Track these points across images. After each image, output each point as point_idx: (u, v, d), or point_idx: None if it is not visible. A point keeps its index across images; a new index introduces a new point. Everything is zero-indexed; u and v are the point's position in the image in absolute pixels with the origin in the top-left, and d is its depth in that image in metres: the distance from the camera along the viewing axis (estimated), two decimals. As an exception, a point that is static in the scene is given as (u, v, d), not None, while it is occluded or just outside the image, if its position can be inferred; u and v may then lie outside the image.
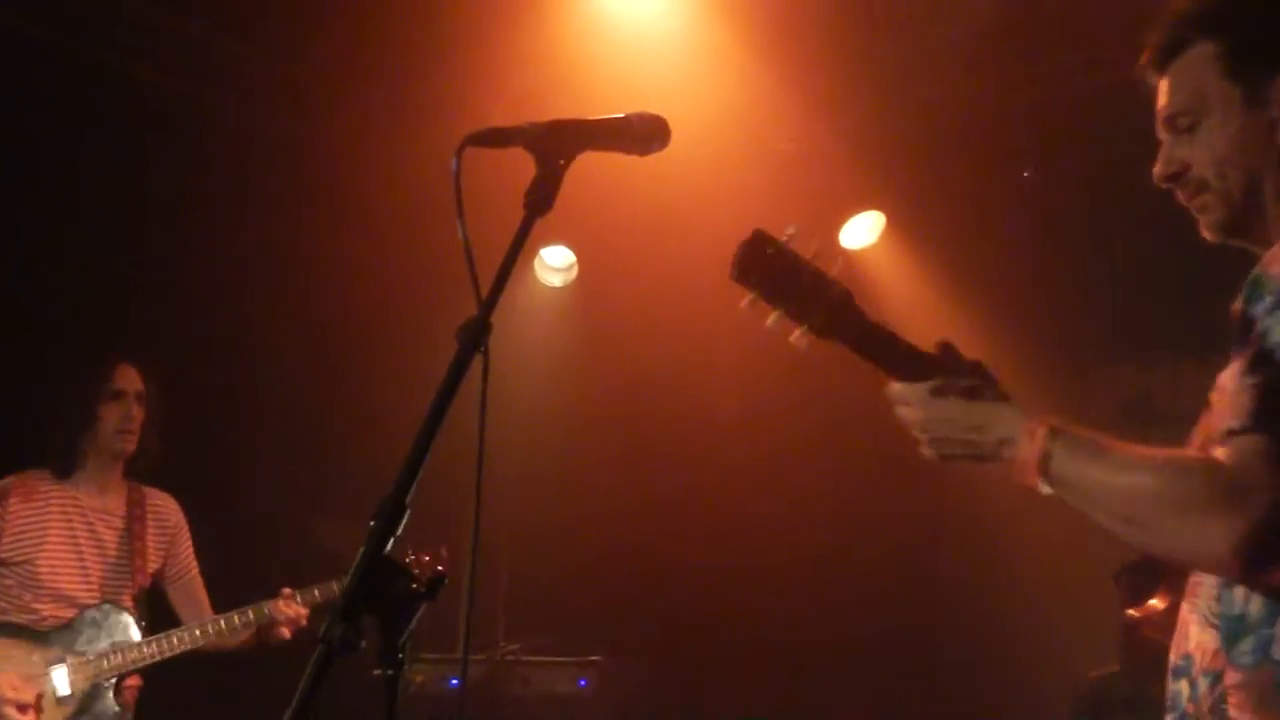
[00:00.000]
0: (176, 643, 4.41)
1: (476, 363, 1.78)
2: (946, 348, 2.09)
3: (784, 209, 6.09)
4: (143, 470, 4.64)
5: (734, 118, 5.51)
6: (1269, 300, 1.84)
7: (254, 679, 4.36)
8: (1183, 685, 1.97)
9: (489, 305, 1.79)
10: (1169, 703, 2.01)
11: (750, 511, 6.27)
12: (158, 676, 4.51)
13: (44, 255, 5.35)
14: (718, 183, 5.81)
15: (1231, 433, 1.79)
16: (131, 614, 4.46)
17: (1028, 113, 5.69)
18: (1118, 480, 1.87)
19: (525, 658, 5.42)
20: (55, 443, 4.52)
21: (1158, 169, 2.10)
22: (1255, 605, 1.85)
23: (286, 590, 4.45)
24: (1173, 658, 2.02)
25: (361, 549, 1.65)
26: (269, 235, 5.82)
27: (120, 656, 4.37)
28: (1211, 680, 1.90)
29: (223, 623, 4.44)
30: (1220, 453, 1.79)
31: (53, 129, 5.25)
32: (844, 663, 5.99)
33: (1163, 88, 2.11)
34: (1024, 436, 1.94)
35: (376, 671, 1.64)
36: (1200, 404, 2.03)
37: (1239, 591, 1.87)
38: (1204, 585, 1.95)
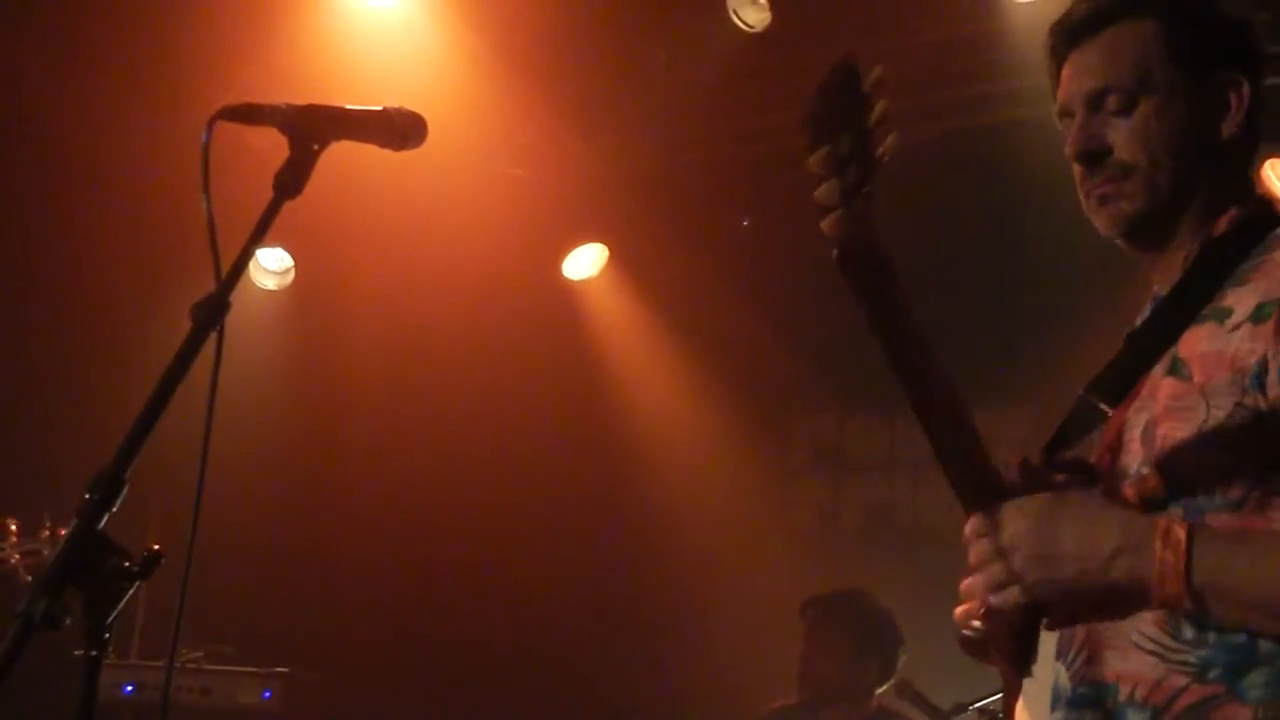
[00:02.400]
0: None
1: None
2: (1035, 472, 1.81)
3: (510, 232, 6.20)
4: None
5: (469, 136, 5.52)
6: None
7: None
8: (1087, 717, 1.80)
9: (229, 284, 1.75)
10: None
11: (457, 515, 6.26)
12: None
13: None
14: (444, 198, 5.82)
15: None
16: None
17: (753, 163, 5.92)
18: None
19: (206, 666, 5.21)
20: None
21: (1074, 143, 1.92)
22: (1267, 639, 1.71)
23: None
24: (1063, 682, 1.83)
25: (74, 521, 1.58)
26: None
27: None
28: (1152, 713, 1.74)
29: None
30: None
31: None
32: (535, 676, 6.02)
33: (1090, 57, 1.94)
34: (1156, 542, 1.68)
35: (78, 652, 1.57)
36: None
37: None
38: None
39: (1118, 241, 1.97)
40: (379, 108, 1.96)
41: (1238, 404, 1.74)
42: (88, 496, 1.57)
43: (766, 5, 5.22)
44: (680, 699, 5.71)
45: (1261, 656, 1.70)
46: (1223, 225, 1.91)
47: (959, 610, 1.94)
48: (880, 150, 1.69)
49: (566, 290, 6.43)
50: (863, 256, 1.72)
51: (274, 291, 6.32)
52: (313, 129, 1.87)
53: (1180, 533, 1.68)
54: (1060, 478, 1.81)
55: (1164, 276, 1.95)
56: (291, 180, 1.84)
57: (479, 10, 5.41)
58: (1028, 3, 4.86)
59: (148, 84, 5.36)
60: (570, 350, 6.43)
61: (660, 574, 6.16)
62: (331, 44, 5.37)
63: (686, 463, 6.21)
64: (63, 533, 4.12)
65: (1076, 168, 1.94)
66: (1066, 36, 1.98)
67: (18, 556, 4.25)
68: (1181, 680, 1.73)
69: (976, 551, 1.77)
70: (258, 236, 1.81)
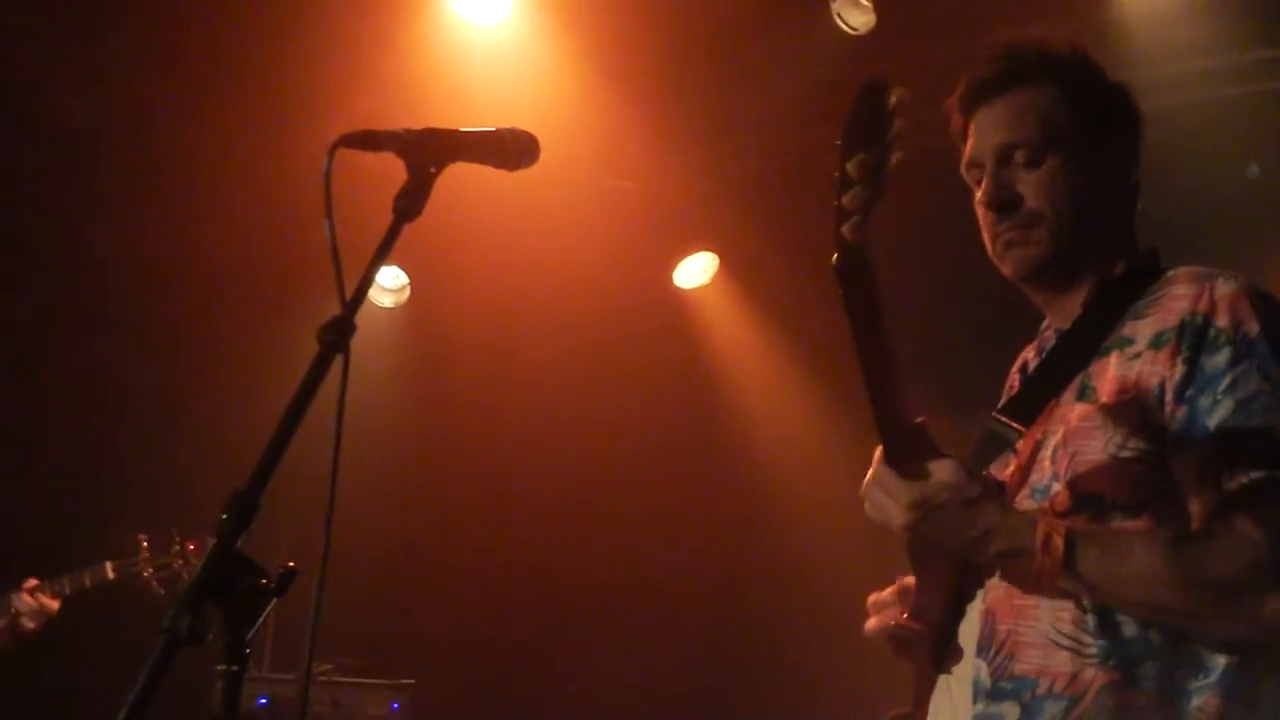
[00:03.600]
0: None
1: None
2: (925, 432, 1.99)
3: (621, 243, 6.24)
4: None
5: (578, 149, 5.56)
6: (1227, 352, 1.93)
7: (94, 670, 4.24)
8: (1006, 709, 1.97)
9: (353, 307, 1.79)
10: None
11: (578, 529, 6.31)
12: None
13: None
14: (555, 211, 5.87)
15: (1252, 493, 1.86)
16: None
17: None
18: (1149, 575, 1.87)
19: (337, 678, 5.32)
20: None
21: (989, 192, 2.10)
22: (1154, 634, 1.91)
23: (32, 581, 4.35)
24: (983, 678, 2.01)
25: (212, 541, 1.63)
26: (97, 228, 5.66)
27: None
28: (1067, 705, 1.92)
29: None
30: (1246, 523, 1.85)
31: None
32: (656, 682, 6.04)
33: (999, 115, 2.12)
34: (1038, 549, 1.88)
35: (220, 667, 1.62)
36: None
37: (1124, 619, 1.91)
38: (1042, 606, 1.96)
39: (1021, 284, 2.16)
40: (493, 129, 1.99)
41: (1143, 422, 1.95)
42: (225, 517, 1.61)
43: (870, 7, 5.19)
44: (796, 705, 5.69)
45: (1154, 649, 1.90)
46: (1118, 269, 2.12)
47: (871, 623, 2.22)
48: (890, 168, 1.87)
49: (678, 299, 6.45)
50: (864, 263, 1.90)
51: (391, 309, 6.43)
52: (429, 153, 1.91)
53: (1059, 542, 1.87)
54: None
55: (1061, 314, 2.16)
56: (410, 203, 1.88)
57: (583, 26, 5.44)
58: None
59: (268, 113, 5.49)
60: (682, 358, 6.44)
61: (773, 578, 6.14)
62: (442, 63, 5.43)
63: (798, 468, 6.18)
64: (191, 547, 4.26)
65: (986, 215, 2.12)
66: (975, 94, 2.15)
67: (150, 570, 4.39)
68: (1091, 672, 1.91)
69: (884, 500, 1.95)
70: (379, 259, 1.85)
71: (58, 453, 5.67)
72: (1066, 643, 1.94)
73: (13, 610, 4.29)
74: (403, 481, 6.26)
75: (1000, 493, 2.04)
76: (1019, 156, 2.09)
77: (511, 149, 1.99)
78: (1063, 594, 1.92)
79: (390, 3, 5.27)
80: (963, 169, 2.18)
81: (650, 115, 5.78)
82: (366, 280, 1.82)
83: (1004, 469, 2.12)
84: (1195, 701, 1.88)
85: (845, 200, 1.87)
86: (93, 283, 5.74)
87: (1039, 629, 1.96)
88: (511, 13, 5.39)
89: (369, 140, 1.90)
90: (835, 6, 5.25)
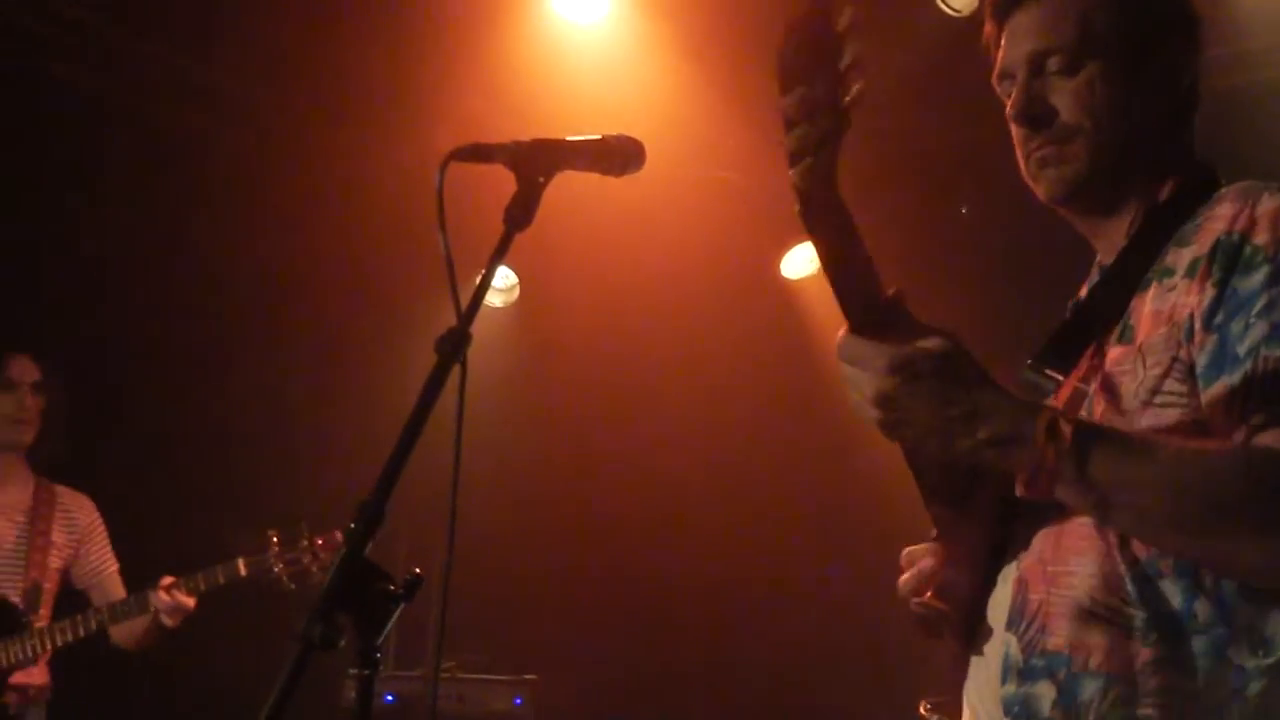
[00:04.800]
0: (59, 636, 4.38)
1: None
2: (900, 304, 1.74)
3: (727, 235, 6.24)
4: (48, 465, 4.62)
5: (679, 143, 5.58)
6: (1265, 271, 1.67)
7: (231, 676, 4.40)
8: (1041, 689, 1.73)
9: (469, 317, 1.83)
10: (1002, 708, 1.77)
11: (692, 525, 6.33)
12: (136, 671, 4.52)
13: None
14: (661, 206, 5.89)
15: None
16: (17, 607, 4.43)
17: (969, 148, 5.81)
18: (1181, 481, 1.61)
19: (460, 675, 5.42)
20: None
21: (1018, 105, 1.87)
22: (1202, 604, 1.66)
23: (167, 579, 4.44)
24: (1014, 654, 1.77)
25: (341, 550, 1.68)
26: (217, 241, 5.81)
27: (2, 651, 4.34)
28: (1104, 683, 1.68)
29: (105, 613, 4.42)
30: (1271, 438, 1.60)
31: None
32: (785, 676, 6.04)
33: (1033, 18, 1.89)
34: (1040, 435, 1.60)
35: (353, 671, 1.67)
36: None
37: (1169, 586, 1.68)
38: (1077, 572, 1.73)
39: (1059, 209, 1.92)
40: (598, 137, 2.01)
41: (1173, 358, 1.70)
42: (353, 526, 1.66)
43: (974, -13, 5.13)
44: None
45: (1202, 623, 1.65)
46: (1166, 191, 1.87)
47: (904, 580, 1.92)
48: (849, 98, 1.64)
49: (785, 289, 6.44)
50: (827, 211, 1.69)
51: (500, 308, 6.51)
52: (537, 163, 1.94)
53: (1066, 430, 1.59)
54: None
55: (1107, 245, 1.92)
56: (521, 213, 1.91)
57: (680, 20, 5.46)
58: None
59: (379, 121, 5.60)
60: (791, 348, 6.42)
61: (888, 574, 6.09)
62: (545, 63, 5.50)
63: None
64: (319, 542, 4.36)
65: (1016, 130, 1.90)
66: None
67: (280, 566, 4.49)
68: (1134, 646, 1.67)
69: (861, 380, 1.66)
70: (492, 269, 1.89)
71: (192, 456, 5.84)
72: (1104, 612, 1.69)
73: (152, 609, 4.42)
74: (517, 480, 6.33)
75: None
76: (1053, 64, 1.85)
77: (617, 156, 2.02)
78: (1065, 500, 1.65)
79: (492, 7, 5.33)
80: (994, 81, 1.95)
81: (751, 105, 5.77)
82: (481, 291, 1.87)
83: None
84: (1254, 686, 1.63)
85: (790, 143, 1.66)
86: (216, 294, 5.90)
87: (1072, 597, 1.72)
88: (610, 10, 5.43)
89: (479, 153, 1.94)
90: (938, -12, 5.21)
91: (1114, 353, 1.77)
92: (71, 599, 4.68)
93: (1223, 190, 1.81)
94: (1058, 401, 1.80)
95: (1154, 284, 1.78)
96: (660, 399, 6.44)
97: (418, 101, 5.50)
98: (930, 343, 1.64)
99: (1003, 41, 1.93)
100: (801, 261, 6.38)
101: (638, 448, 6.44)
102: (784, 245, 6.34)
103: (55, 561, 4.59)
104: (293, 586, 4.44)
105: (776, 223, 6.28)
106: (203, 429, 5.89)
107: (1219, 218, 1.74)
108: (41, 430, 4.58)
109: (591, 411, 6.54)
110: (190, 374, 5.87)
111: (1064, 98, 1.85)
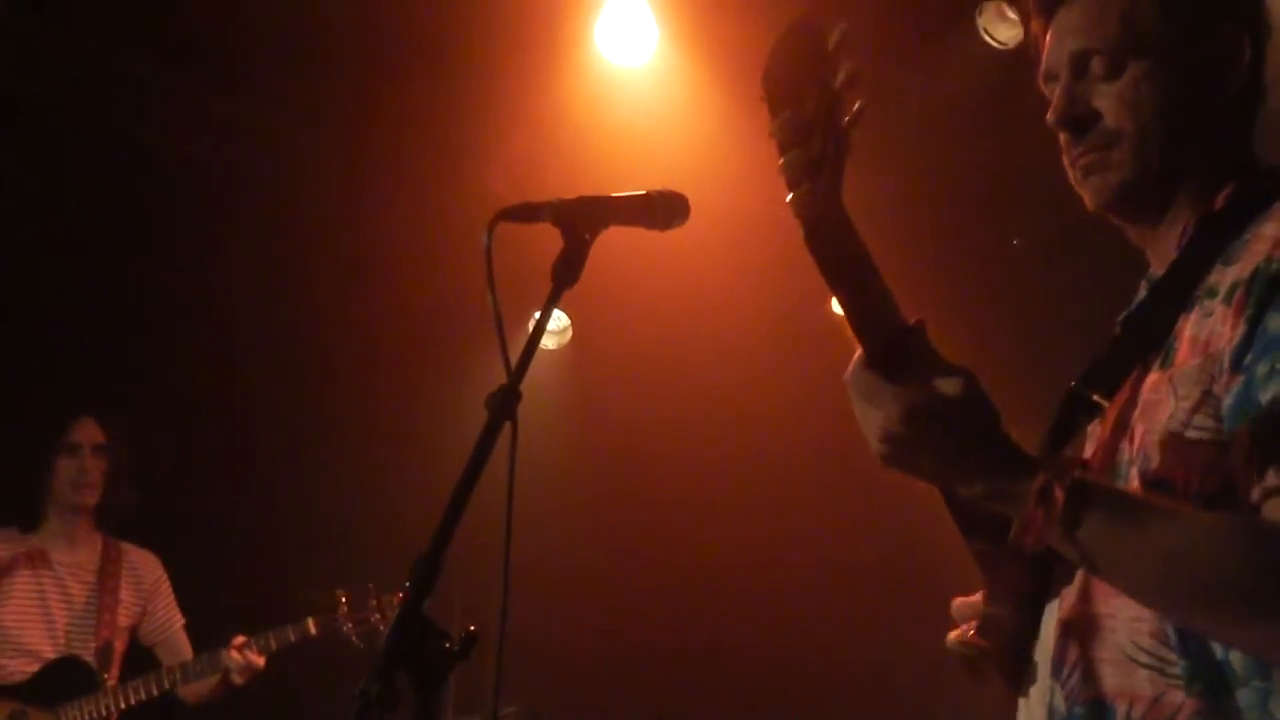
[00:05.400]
0: (132, 694, 4.44)
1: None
2: (920, 335, 1.65)
3: (775, 270, 6.22)
4: (115, 522, 4.70)
5: (726, 180, 5.60)
6: None
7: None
8: None
9: (519, 374, 1.86)
10: None
11: (749, 568, 6.30)
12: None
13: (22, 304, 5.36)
14: (713, 246, 5.89)
15: None
16: (91, 667, 4.49)
17: (1019, 179, 5.79)
18: (1177, 554, 1.52)
19: (513, 724, 5.41)
20: (16, 497, 4.59)
21: (1058, 109, 1.78)
22: (1236, 656, 1.56)
23: (239, 638, 4.51)
24: (1058, 702, 1.70)
25: (399, 608, 1.70)
26: (265, 291, 5.88)
27: (78, 711, 4.40)
28: None
29: (178, 673, 4.49)
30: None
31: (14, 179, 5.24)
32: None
33: (1075, 16, 1.79)
34: (1032, 499, 1.54)
35: (410, 728, 1.70)
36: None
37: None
38: (1119, 616, 1.65)
39: (1107, 217, 1.82)
40: (643, 193, 2.04)
41: (1205, 392, 1.59)
42: (409, 584, 1.68)
43: (1017, 20, 5.13)
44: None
45: (1239, 677, 1.55)
46: (1221, 199, 1.73)
47: (952, 635, 1.86)
48: (848, 118, 1.57)
49: (836, 326, 6.40)
50: (832, 236, 1.64)
51: (553, 351, 6.54)
52: (583, 220, 1.97)
53: (1059, 496, 1.52)
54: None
55: (1159, 255, 1.80)
56: (568, 270, 1.95)
57: (726, 58, 5.49)
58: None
59: (428, 170, 5.65)
60: (842, 386, 6.38)
61: (934, 593, 6.04)
62: (593, 105, 5.55)
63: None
64: (387, 601, 4.41)
65: (1062, 136, 1.80)
66: None
67: (350, 625, 4.55)
68: (1178, 696, 1.58)
69: (870, 415, 1.65)
70: (542, 325, 1.91)
71: (261, 520, 5.91)
72: (1146, 659, 1.60)
73: (224, 667, 4.48)
74: (570, 520, 6.34)
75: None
76: (1096, 65, 1.75)
77: (661, 211, 2.05)
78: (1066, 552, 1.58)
79: (540, 50, 5.39)
80: (1039, 82, 1.84)
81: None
82: (531, 348, 1.89)
83: (1090, 446, 1.78)
84: None
85: (784, 170, 1.60)
86: (279, 351, 5.96)
87: (1115, 642, 1.64)
88: (656, 52, 5.48)
89: (526, 212, 1.96)
90: (981, 21, 5.22)
91: (1152, 377, 1.67)
92: (136, 655, 4.74)
93: (1278, 203, 1.66)
94: (1104, 427, 1.73)
95: (1197, 306, 1.66)
96: (712, 437, 6.43)
97: (467, 143, 5.55)
98: (945, 385, 1.57)
99: (1048, 39, 1.84)
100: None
101: (690, 480, 6.42)
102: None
103: (124, 619, 4.66)
104: (361, 645, 4.52)
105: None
106: (277, 495, 5.96)
107: (1265, 238, 1.61)
108: (106, 490, 4.65)
109: (645, 451, 6.53)
110: (257, 434, 5.93)
111: (1107, 101, 1.75)
